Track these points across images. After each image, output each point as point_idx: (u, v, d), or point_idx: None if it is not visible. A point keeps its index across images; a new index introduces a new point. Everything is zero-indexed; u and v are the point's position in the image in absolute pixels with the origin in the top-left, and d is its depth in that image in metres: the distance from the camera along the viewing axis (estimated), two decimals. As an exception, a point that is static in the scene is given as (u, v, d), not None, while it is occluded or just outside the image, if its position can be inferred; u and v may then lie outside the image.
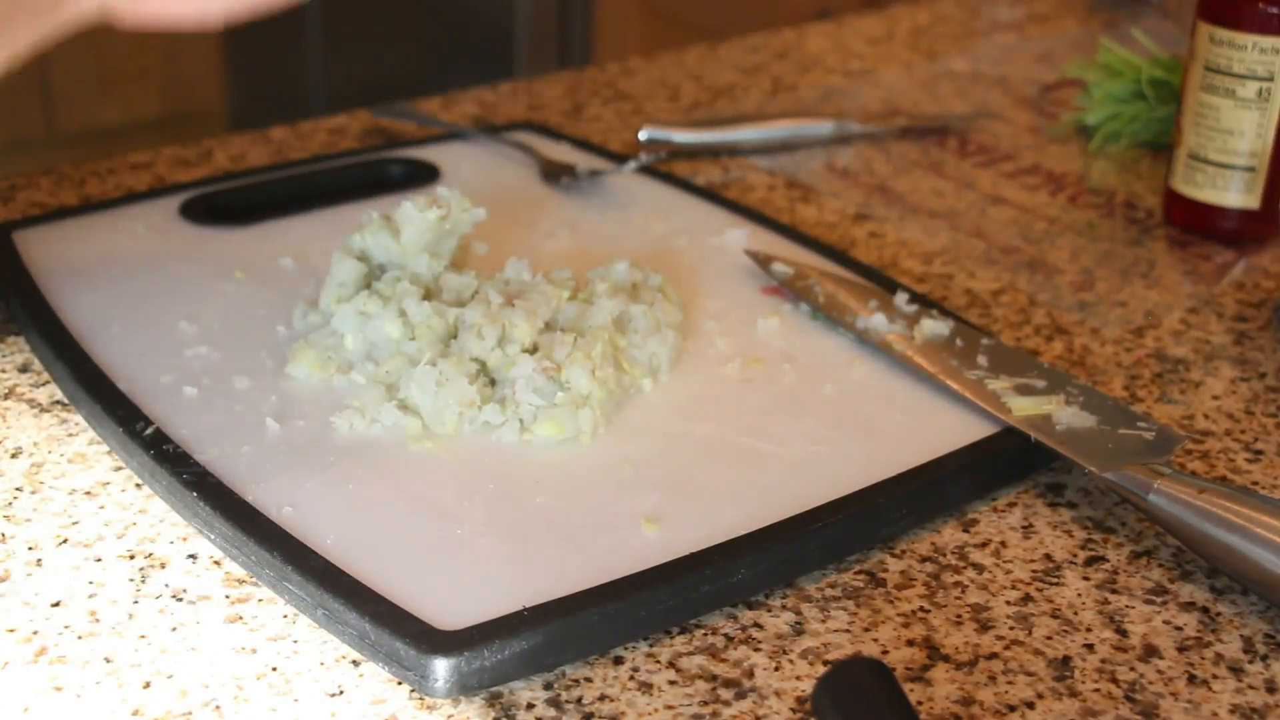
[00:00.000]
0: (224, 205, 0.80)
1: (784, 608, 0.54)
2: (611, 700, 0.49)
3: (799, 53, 1.20)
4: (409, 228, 0.66)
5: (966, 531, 0.59)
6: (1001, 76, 1.14)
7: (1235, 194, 0.84)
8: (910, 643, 0.53)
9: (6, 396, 0.65)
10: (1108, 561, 0.58)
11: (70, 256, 0.73)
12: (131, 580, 0.54)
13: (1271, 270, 0.83)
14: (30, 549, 0.55)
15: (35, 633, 0.51)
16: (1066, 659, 0.52)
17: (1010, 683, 0.51)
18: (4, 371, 0.67)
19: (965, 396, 0.64)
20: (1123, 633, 0.54)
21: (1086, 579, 0.57)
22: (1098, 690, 0.51)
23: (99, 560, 0.55)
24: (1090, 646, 0.53)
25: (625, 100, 1.06)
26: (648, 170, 0.88)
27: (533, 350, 0.63)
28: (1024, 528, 0.59)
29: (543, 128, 0.95)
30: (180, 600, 0.53)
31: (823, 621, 0.54)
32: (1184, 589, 0.56)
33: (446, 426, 0.60)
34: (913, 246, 0.84)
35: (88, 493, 0.58)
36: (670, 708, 0.49)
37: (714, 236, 0.79)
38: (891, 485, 0.58)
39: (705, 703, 0.49)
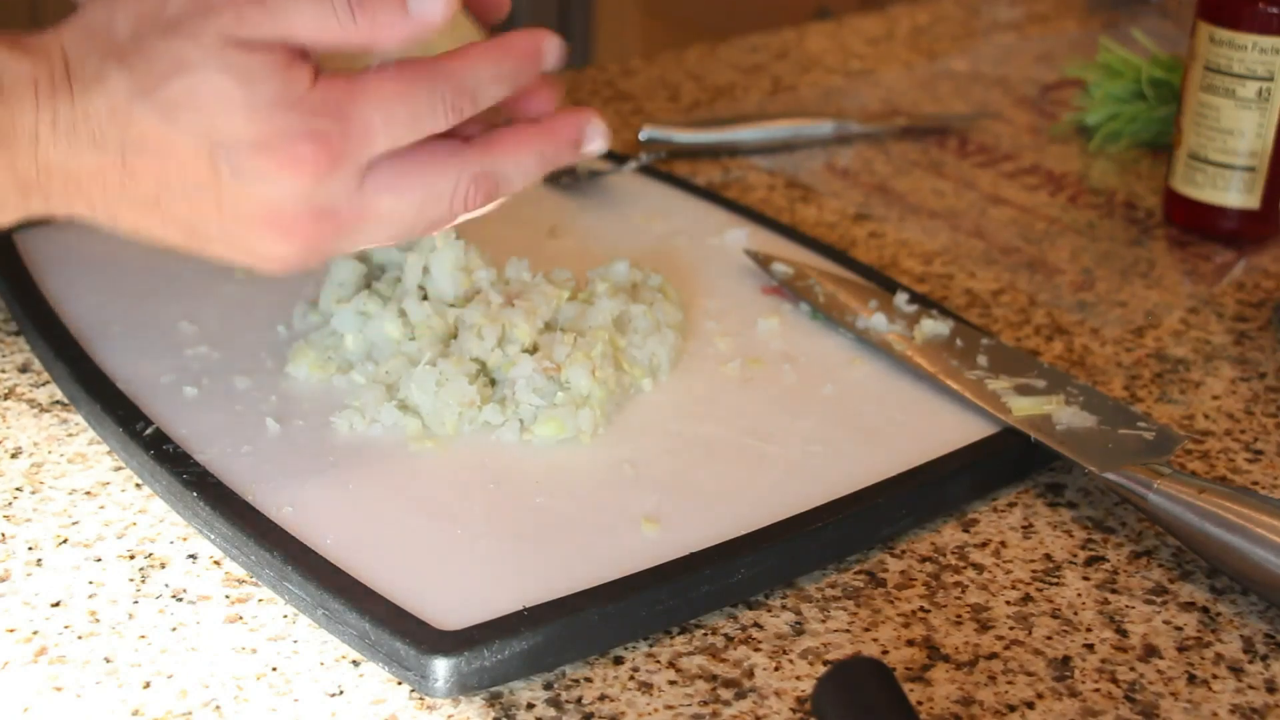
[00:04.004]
0: (224, 205, 0.80)
1: (784, 608, 0.54)
2: (611, 700, 0.49)
3: (799, 53, 1.20)
4: (443, 247, 0.66)
5: (966, 531, 0.59)
6: (1001, 76, 1.14)
7: (1235, 194, 0.84)
8: (910, 643, 0.53)
9: (6, 396, 0.65)
10: (1108, 561, 0.58)
11: (70, 256, 0.73)
12: (131, 580, 0.54)
13: (1271, 270, 0.83)
14: (30, 549, 0.55)
15: (35, 633, 0.51)
16: (1066, 659, 0.52)
17: (1010, 683, 0.51)
18: (4, 371, 0.67)
19: (965, 396, 0.64)
20: (1123, 633, 0.54)
21: (1086, 579, 0.57)
22: (1098, 690, 0.51)
23: (99, 560, 0.55)
24: (1090, 646, 0.53)
25: (625, 100, 1.06)
26: (648, 170, 0.88)
27: (533, 350, 0.63)
28: (1024, 528, 0.60)
29: (543, 128, 0.95)
30: (180, 600, 0.53)
31: (823, 621, 0.54)
32: (1184, 589, 0.56)
33: (446, 426, 0.60)
34: (913, 246, 0.84)
35: (88, 493, 0.58)
36: (670, 708, 0.49)
37: (714, 236, 0.79)
38: (891, 485, 0.58)
39: (705, 703, 0.49)
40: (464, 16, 0.63)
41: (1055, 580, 0.56)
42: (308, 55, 0.51)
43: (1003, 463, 0.62)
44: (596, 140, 0.58)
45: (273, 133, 0.50)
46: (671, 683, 0.50)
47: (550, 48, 0.56)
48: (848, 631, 0.53)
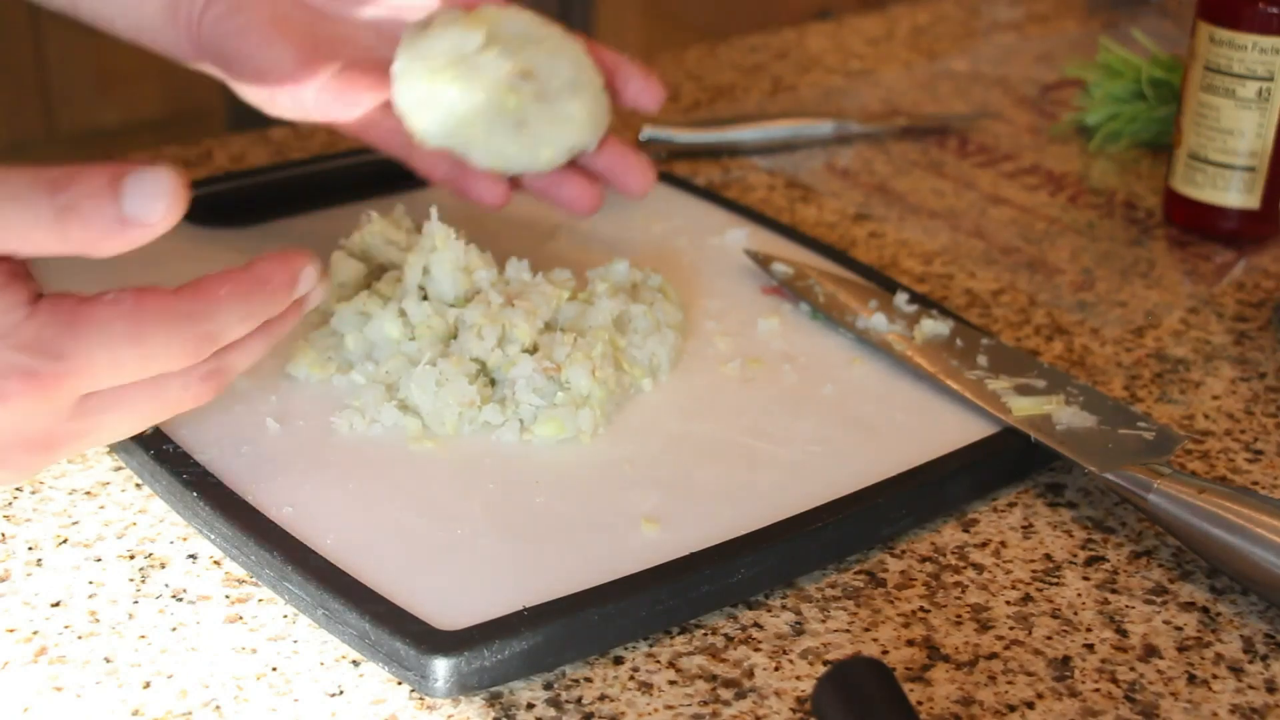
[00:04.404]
0: (224, 205, 0.80)
1: (784, 608, 0.54)
2: (611, 700, 0.49)
3: (799, 53, 1.20)
4: (443, 247, 0.66)
5: (966, 531, 0.59)
6: (1001, 76, 1.14)
7: (1235, 194, 0.84)
8: (910, 643, 0.53)
9: (6, 396, 0.65)
10: (1108, 561, 0.58)
11: (70, 256, 0.73)
12: (131, 580, 0.54)
13: (1271, 270, 0.83)
14: (30, 549, 0.55)
15: (35, 633, 0.51)
16: (1066, 659, 0.52)
17: (1010, 683, 0.51)
18: (4, 371, 0.67)
19: (965, 396, 0.64)
20: (1123, 633, 0.54)
21: (1086, 579, 0.57)
22: (1098, 690, 0.51)
23: (99, 560, 0.55)
24: (1090, 646, 0.53)
25: (625, 100, 1.06)
26: (648, 170, 0.87)
27: (533, 350, 0.63)
28: (1024, 528, 0.60)
29: (543, 128, 0.95)
30: (180, 600, 0.53)
31: (823, 621, 0.54)
32: (1184, 589, 0.56)
33: (446, 426, 0.60)
34: (913, 246, 0.84)
35: (88, 493, 0.58)
36: (670, 708, 0.49)
37: (714, 236, 0.79)
38: (891, 485, 0.58)
39: (705, 703, 0.49)
40: (580, 50, 0.68)
41: (1055, 580, 0.56)
42: (26, 274, 0.46)
43: (1003, 463, 0.62)
44: (311, 284, 0.53)
45: None
46: (671, 683, 0.50)
47: (305, 276, 0.52)
48: (848, 631, 0.53)
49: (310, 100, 0.66)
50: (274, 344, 0.54)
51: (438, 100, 0.66)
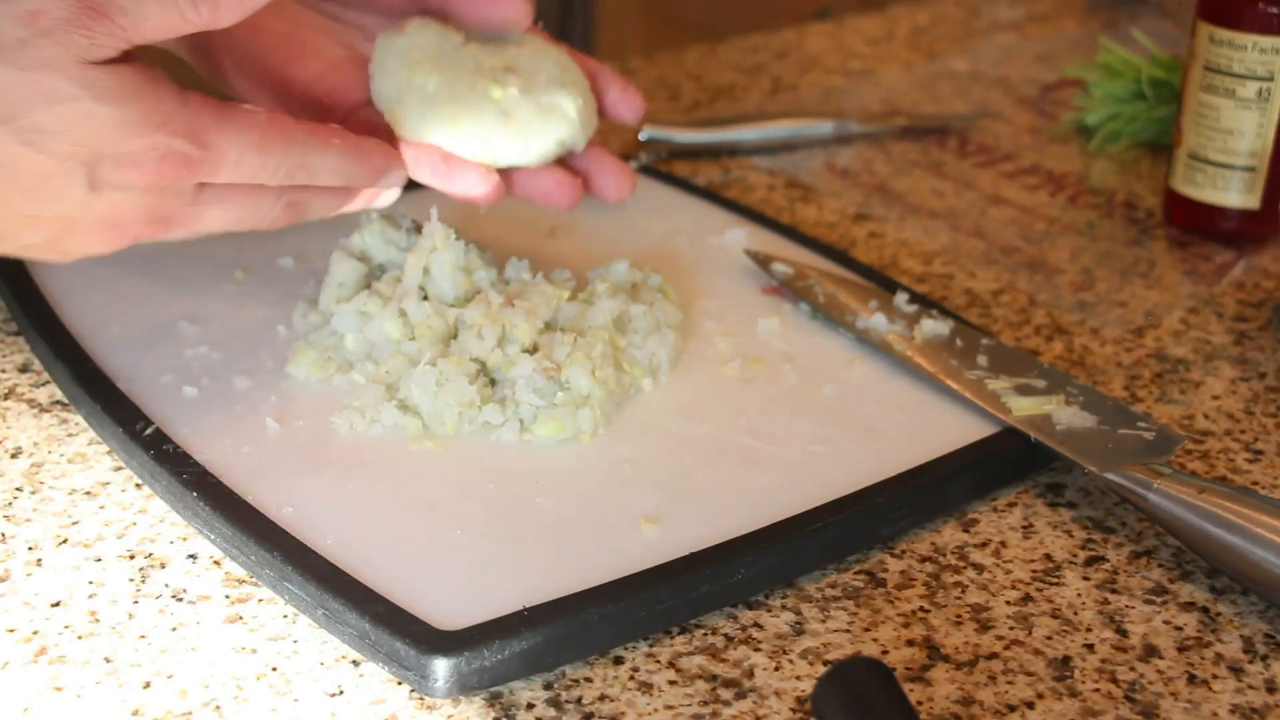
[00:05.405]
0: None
1: (784, 608, 0.54)
2: (611, 700, 0.49)
3: (799, 53, 1.20)
4: (443, 247, 0.66)
5: (966, 531, 0.59)
6: (1001, 76, 1.14)
7: (1235, 194, 0.84)
8: (910, 643, 0.53)
9: (6, 396, 0.65)
10: (1108, 561, 0.58)
11: (70, 256, 0.73)
12: (131, 580, 0.54)
13: (1271, 270, 0.83)
14: (30, 549, 0.55)
15: (35, 633, 0.51)
16: (1066, 659, 0.52)
17: (1010, 683, 0.51)
18: (4, 371, 0.67)
19: (965, 396, 0.64)
20: (1123, 633, 0.54)
21: (1086, 579, 0.57)
22: (1098, 690, 0.51)
23: (99, 560, 0.55)
24: (1090, 646, 0.53)
25: (625, 100, 1.06)
26: (648, 170, 0.88)
27: (533, 350, 0.63)
28: (1024, 528, 0.60)
29: (543, 128, 0.94)
30: (180, 600, 0.53)
31: (823, 621, 0.54)
32: (1184, 589, 0.56)
33: (446, 426, 0.60)
34: (913, 246, 0.84)
35: (88, 493, 0.58)
36: (670, 708, 0.49)
37: (714, 236, 0.79)
38: (891, 485, 0.58)
39: (705, 703, 0.49)
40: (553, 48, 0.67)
41: (1055, 580, 0.56)
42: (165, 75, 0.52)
43: (1003, 463, 0.62)
44: (394, 184, 0.61)
45: (141, 148, 0.51)
46: (671, 683, 0.50)
47: (393, 176, 0.61)
48: (848, 631, 0.53)
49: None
50: (339, 211, 0.61)
51: (419, 90, 0.63)
